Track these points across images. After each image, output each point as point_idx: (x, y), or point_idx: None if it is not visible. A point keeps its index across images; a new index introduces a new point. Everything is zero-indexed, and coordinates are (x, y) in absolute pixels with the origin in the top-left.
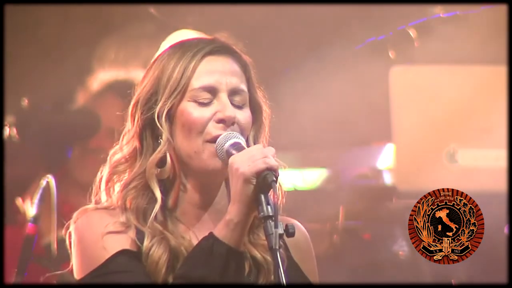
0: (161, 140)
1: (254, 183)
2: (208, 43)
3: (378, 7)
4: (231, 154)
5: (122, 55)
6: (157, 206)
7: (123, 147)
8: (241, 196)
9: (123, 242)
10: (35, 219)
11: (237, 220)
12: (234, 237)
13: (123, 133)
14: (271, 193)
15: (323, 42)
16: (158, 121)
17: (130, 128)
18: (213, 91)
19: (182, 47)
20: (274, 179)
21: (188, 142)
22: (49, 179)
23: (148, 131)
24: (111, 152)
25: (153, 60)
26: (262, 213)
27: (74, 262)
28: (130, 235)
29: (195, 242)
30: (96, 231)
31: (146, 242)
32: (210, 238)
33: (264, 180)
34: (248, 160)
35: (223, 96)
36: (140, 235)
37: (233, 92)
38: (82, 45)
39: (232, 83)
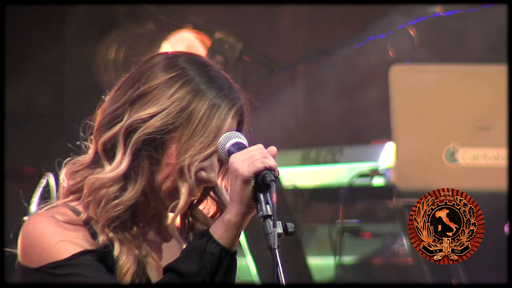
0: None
1: (253, 183)
2: (235, 100)
3: (378, 6)
4: (232, 154)
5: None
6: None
7: (111, 168)
8: (239, 196)
9: (86, 246)
10: None
11: (234, 220)
12: (229, 237)
13: (101, 145)
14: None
15: (323, 40)
16: (188, 173)
17: (121, 149)
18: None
19: (213, 88)
20: (273, 178)
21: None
22: (49, 177)
23: (145, 153)
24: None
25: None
26: (260, 212)
27: (27, 251)
28: (96, 244)
29: (158, 253)
30: (58, 235)
31: (115, 252)
32: (205, 236)
33: (263, 180)
34: (247, 160)
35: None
36: (107, 246)
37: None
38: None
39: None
